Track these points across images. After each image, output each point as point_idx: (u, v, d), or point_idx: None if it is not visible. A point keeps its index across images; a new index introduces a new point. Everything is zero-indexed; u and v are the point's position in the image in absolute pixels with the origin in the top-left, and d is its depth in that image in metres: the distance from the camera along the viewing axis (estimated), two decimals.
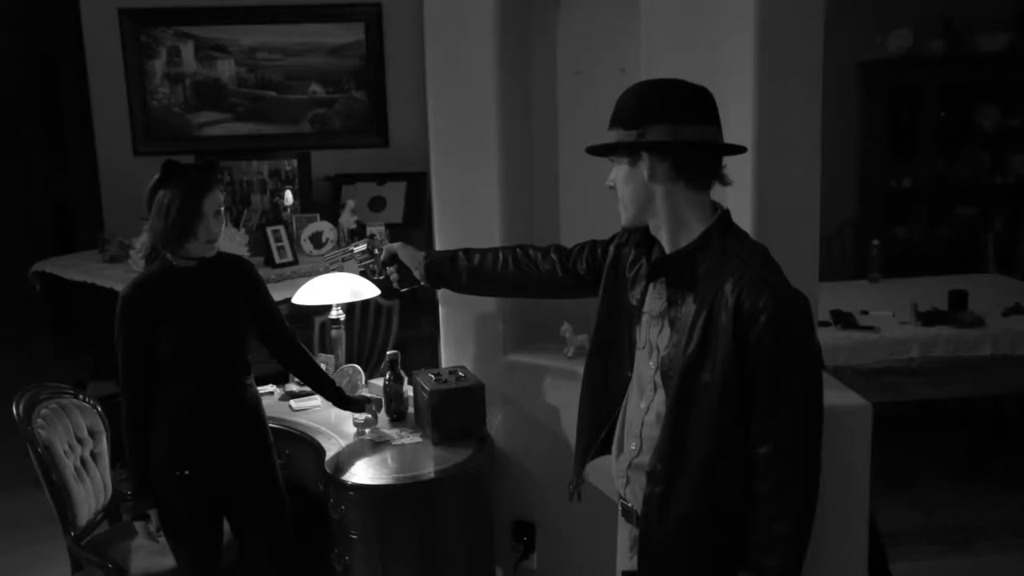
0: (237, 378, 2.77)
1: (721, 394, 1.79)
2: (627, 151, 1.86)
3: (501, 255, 2.53)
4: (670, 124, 1.82)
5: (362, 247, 2.69)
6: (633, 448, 1.97)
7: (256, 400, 2.83)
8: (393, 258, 2.68)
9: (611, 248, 2.19)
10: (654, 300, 1.95)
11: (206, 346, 2.67)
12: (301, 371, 3.00)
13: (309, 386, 3.06)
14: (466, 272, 2.57)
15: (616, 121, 1.89)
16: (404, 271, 2.67)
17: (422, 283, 2.66)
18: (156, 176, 2.60)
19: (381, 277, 2.71)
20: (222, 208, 2.64)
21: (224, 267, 2.75)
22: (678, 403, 1.84)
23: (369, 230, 4.87)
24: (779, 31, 2.40)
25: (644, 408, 1.95)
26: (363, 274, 2.86)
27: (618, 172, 1.92)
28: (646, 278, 1.97)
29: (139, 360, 2.60)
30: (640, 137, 1.83)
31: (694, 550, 1.88)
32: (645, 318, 1.97)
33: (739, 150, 1.92)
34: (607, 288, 2.13)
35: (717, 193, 2.63)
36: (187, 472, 2.66)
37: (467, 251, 2.60)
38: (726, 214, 1.90)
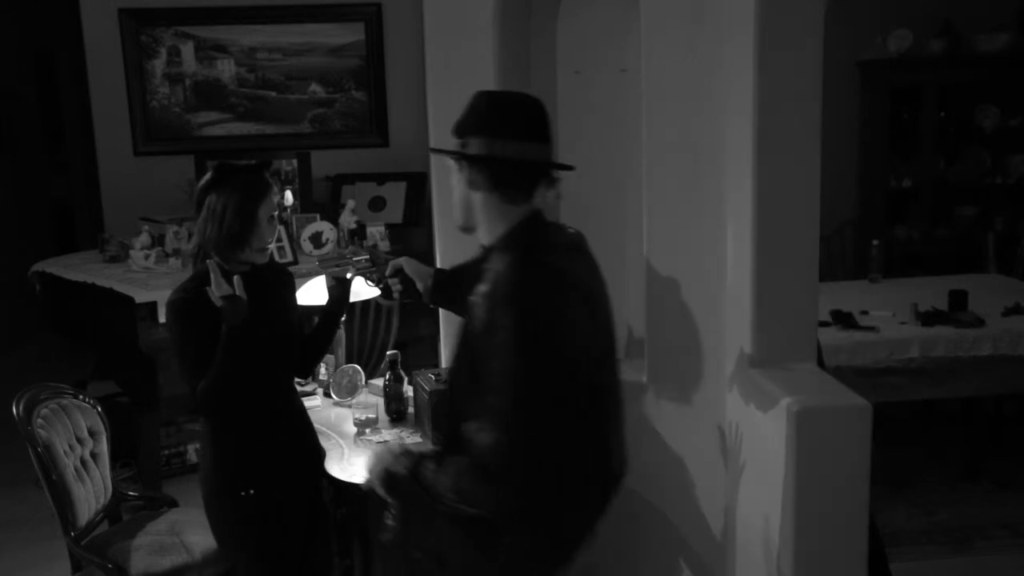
0: (292, 384, 2.71)
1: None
2: (454, 158, 1.97)
3: None
4: (487, 138, 1.91)
5: (364, 256, 2.63)
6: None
7: (303, 406, 2.78)
8: (399, 271, 2.60)
9: None
10: None
11: (269, 353, 2.54)
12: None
13: (316, 350, 2.90)
14: None
15: (453, 128, 1.99)
16: (407, 283, 2.59)
17: (423, 299, 2.58)
18: (207, 178, 2.47)
19: (380, 286, 2.67)
20: (275, 213, 2.52)
21: (274, 269, 2.65)
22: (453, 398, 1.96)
23: (369, 230, 4.88)
24: (779, 31, 2.40)
25: None
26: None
27: (453, 175, 2.01)
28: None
29: (209, 360, 2.38)
30: (462, 147, 1.94)
31: None
32: None
33: (562, 167, 1.98)
34: None
35: (718, 194, 2.64)
36: (252, 492, 2.51)
37: None
38: (525, 222, 1.93)
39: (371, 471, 2.00)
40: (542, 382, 1.78)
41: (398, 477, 1.92)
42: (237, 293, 2.35)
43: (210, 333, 2.37)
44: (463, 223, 2.02)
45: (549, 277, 1.87)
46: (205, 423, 2.56)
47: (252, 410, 2.54)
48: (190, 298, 2.42)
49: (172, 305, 2.44)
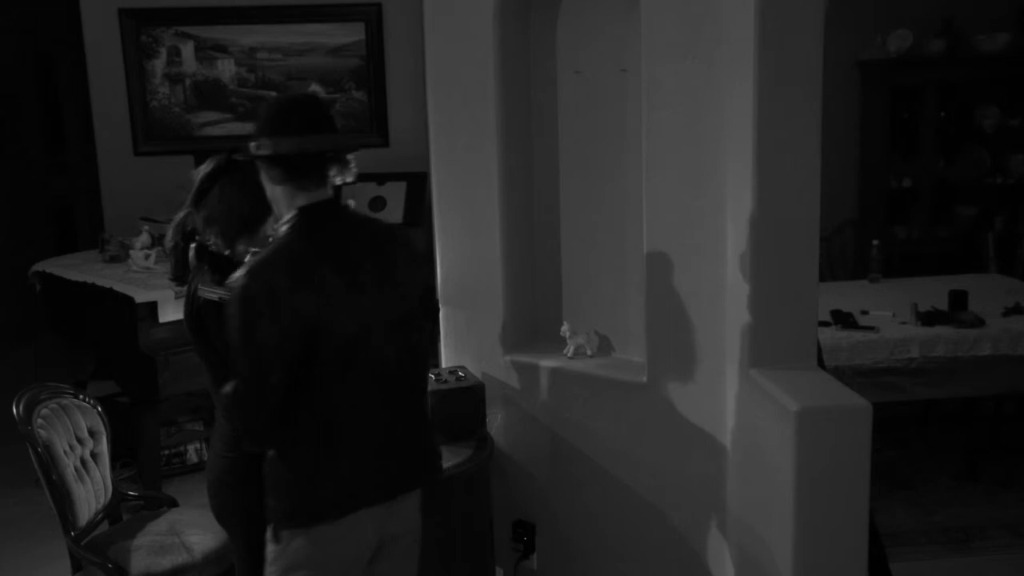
0: None
1: None
2: (250, 160, 2.21)
3: None
4: (274, 137, 2.13)
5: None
6: None
7: None
8: None
9: None
10: None
11: None
12: None
13: None
14: None
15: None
16: None
17: None
18: (213, 166, 2.46)
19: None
20: None
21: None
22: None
23: None
24: (779, 31, 2.40)
25: None
26: None
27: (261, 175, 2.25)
28: None
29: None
30: (256, 149, 2.17)
31: None
32: None
33: (349, 150, 2.23)
34: None
35: (718, 194, 2.64)
36: None
37: None
38: (304, 209, 2.15)
39: None
40: (263, 343, 2.03)
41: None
42: None
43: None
44: (276, 215, 2.25)
45: (290, 252, 2.10)
46: (225, 422, 2.47)
47: None
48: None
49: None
